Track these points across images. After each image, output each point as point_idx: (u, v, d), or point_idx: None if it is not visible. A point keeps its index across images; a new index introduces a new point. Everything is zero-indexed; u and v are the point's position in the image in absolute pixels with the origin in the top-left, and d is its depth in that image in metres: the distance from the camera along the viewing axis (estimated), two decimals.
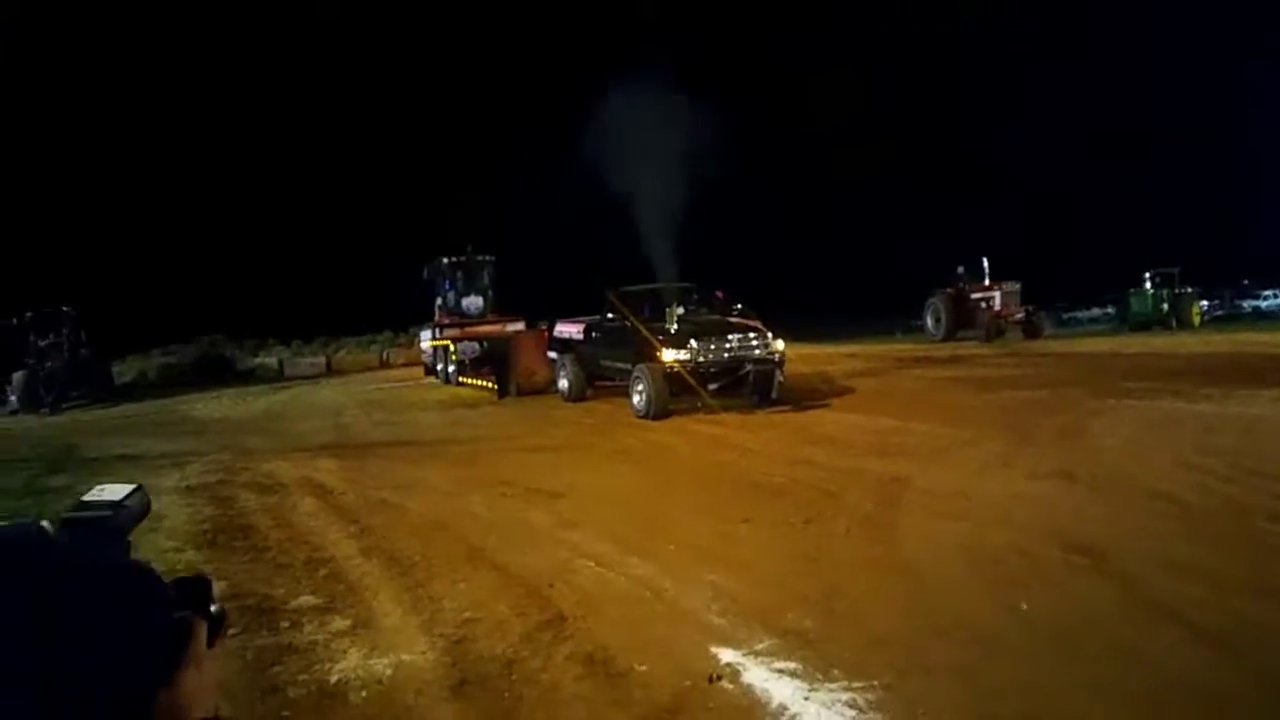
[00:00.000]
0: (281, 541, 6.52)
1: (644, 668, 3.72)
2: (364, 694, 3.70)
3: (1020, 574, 4.62)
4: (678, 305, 13.26)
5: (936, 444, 8.64)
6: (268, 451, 11.43)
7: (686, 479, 8.08)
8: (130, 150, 45.42)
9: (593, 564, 5.36)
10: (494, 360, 17.76)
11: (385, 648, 4.21)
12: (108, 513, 0.87)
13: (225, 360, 32.95)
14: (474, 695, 3.61)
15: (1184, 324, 26.13)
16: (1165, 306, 26.96)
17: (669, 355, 11.86)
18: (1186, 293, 27.21)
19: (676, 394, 11.97)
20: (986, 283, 25.92)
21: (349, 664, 4.03)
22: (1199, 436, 7.96)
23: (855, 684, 3.38)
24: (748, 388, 11.98)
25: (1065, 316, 35.81)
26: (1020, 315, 25.63)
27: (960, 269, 26.77)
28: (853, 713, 3.17)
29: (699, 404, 12.10)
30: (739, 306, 13.84)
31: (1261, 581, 4.21)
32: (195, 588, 0.90)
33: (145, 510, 0.92)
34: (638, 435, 10.87)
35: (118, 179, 44.76)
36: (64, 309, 23.51)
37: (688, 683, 3.53)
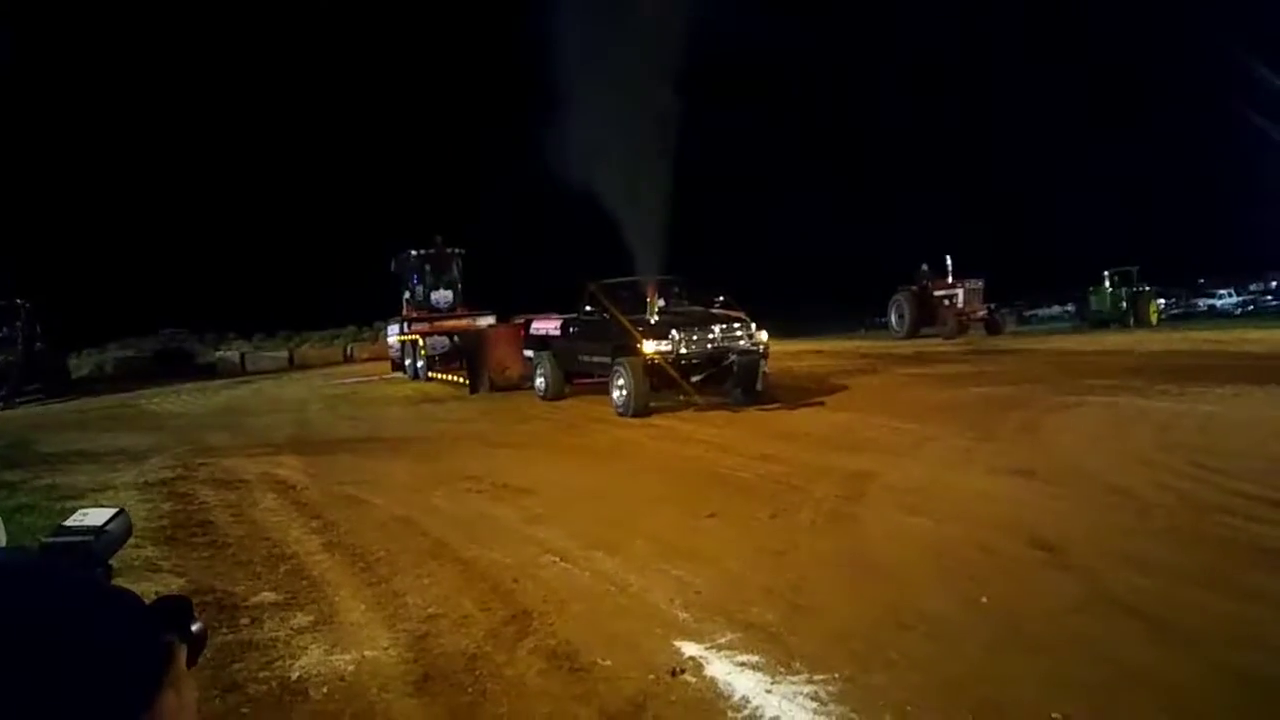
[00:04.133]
0: (242, 538, 6.44)
1: (608, 662, 3.72)
2: (325, 690, 3.66)
3: (981, 568, 4.68)
4: (659, 297, 12.87)
5: (900, 440, 8.73)
6: (228, 447, 11.28)
7: (652, 474, 8.08)
8: (85, 139, 44.51)
9: (558, 559, 5.35)
10: (466, 355, 17.30)
11: (348, 644, 4.17)
12: (88, 538, 0.86)
13: (185, 354, 32.52)
14: (437, 691, 3.59)
15: (1142, 322, 26.57)
16: (1124, 305, 27.40)
17: (649, 347, 11.41)
18: (1144, 291, 27.68)
19: (658, 389, 11.64)
20: (949, 280, 26.21)
21: (310, 660, 3.99)
22: (1156, 433, 8.10)
23: (817, 676, 3.40)
24: (731, 380, 11.64)
25: (1026, 314, 36.27)
26: (982, 313, 25.97)
27: (924, 267, 27.05)
28: (814, 704, 3.19)
29: (681, 397, 11.85)
30: (721, 299, 13.46)
31: (1216, 575, 4.30)
32: (176, 608, 0.89)
33: (126, 535, 0.91)
34: (605, 431, 10.88)
35: (73, 169, 43.85)
36: (18, 301, 22.86)
37: (651, 677, 3.54)
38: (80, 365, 30.12)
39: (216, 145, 49.04)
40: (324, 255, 45.90)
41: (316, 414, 15.23)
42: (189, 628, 0.88)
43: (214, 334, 36.05)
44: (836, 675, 3.42)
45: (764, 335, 12.12)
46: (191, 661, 0.86)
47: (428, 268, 22.27)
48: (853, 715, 3.09)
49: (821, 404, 11.74)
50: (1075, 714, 3.02)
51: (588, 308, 13.31)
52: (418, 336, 20.61)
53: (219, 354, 32.76)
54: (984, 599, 4.19)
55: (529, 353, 15.11)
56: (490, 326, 18.30)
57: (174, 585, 5.13)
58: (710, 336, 11.72)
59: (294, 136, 49.75)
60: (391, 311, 23.69)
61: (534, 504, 6.93)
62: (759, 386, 11.54)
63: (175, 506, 7.59)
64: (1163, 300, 31.24)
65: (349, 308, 37.29)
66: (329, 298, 38.45)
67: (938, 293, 26.16)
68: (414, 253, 22.13)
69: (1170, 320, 29.59)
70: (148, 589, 4.85)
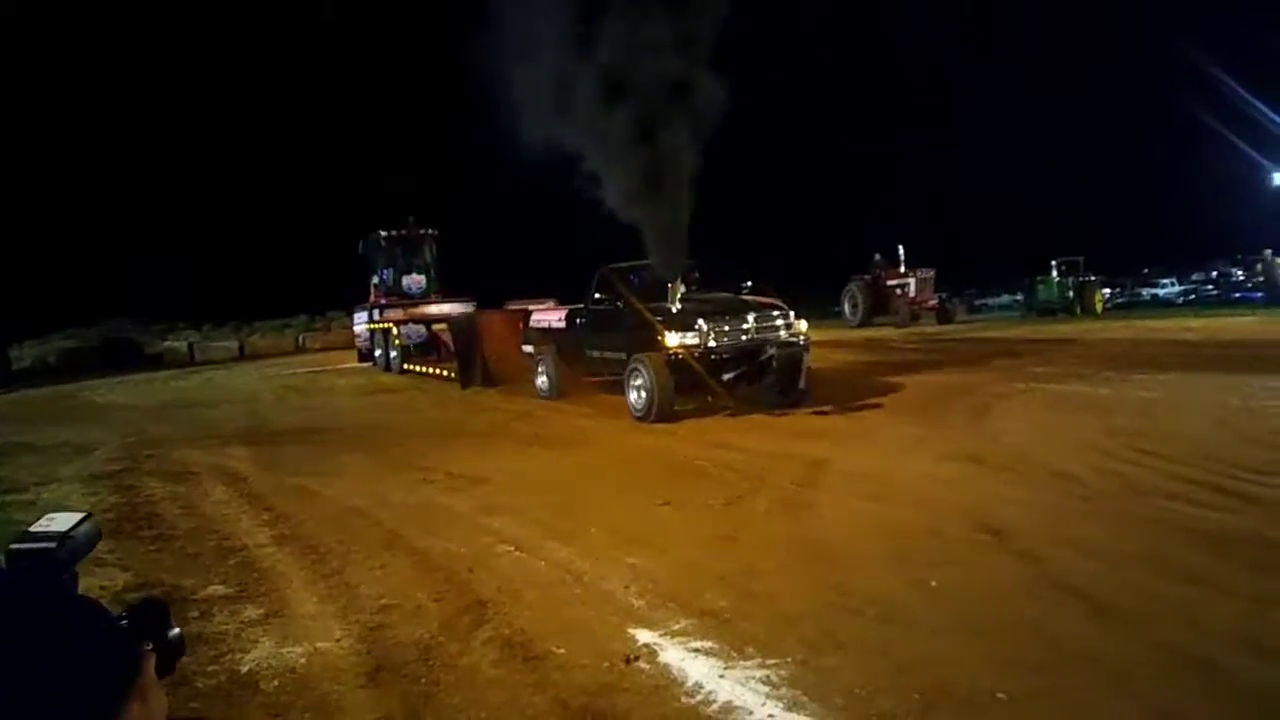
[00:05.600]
0: (190, 530, 6.34)
1: (562, 651, 3.73)
2: (276, 683, 3.63)
3: (930, 552, 4.76)
4: (681, 282, 10.94)
5: (853, 427, 8.84)
6: (176, 438, 11.09)
7: (608, 463, 8.10)
8: (23, 124, 43.20)
9: (513, 549, 5.34)
10: (456, 345, 15.60)
11: (299, 636, 4.13)
12: (52, 544, 0.85)
13: (131, 344, 31.81)
14: (390, 682, 3.57)
15: (1087, 311, 27.12)
16: (1070, 294, 27.94)
17: (673, 340, 9.85)
18: (1090, 281, 28.24)
19: (684, 389, 10.07)
20: (902, 270, 26.52)
21: (261, 653, 3.95)
22: (1099, 419, 8.29)
23: (769, 661, 3.44)
24: (769, 378, 10.02)
25: (976, 303, 36.90)
26: (934, 302, 26.36)
27: (877, 256, 27.34)
28: (766, 689, 3.23)
29: (710, 399, 10.42)
30: (749, 284, 11.85)
31: (1157, 557, 4.41)
32: (150, 614, 0.88)
33: (93, 541, 0.90)
34: (562, 420, 10.86)
35: (12, 155, 42.55)
36: None
37: (605, 664, 3.56)
38: (22, 356, 29.41)
39: (161, 129, 47.70)
40: (274, 242, 44.99)
41: (268, 405, 15.02)
42: (165, 634, 0.87)
43: (162, 324, 35.35)
44: (788, 659, 3.46)
45: (803, 325, 10.66)
46: (170, 668, 0.85)
47: (398, 251, 20.94)
48: (804, 698, 3.14)
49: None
50: (1018, 693, 3.09)
51: (598, 295, 11.66)
52: (391, 325, 19.06)
53: (167, 344, 32.20)
54: (933, 583, 4.26)
55: (528, 347, 13.53)
56: (485, 314, 16.38)
57: (119, 580, 5.04)
58: (743, 327, 10.14)
59: (242, 117, 48.29)
60: (347, 299, 23.01)
61: (489, 494, 6.91)
62: (802, 384, 10.12)
63: (121, 499, 7.46)
64: (1108, 290, 31.98)
65: (301, 296, 36.76)
66: (280, 286, 37.84)
67: (890, 282, 26.45)
68: (383, 234, 20.80)
69: (1115, 309, 30.29)
70: (91, 584, 4.77)
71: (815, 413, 9.78)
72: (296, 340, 33.40)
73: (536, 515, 6.09)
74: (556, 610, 4.26)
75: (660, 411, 9.73)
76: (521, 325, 13.86)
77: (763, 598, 4.24)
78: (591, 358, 11.68)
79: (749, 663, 3.46)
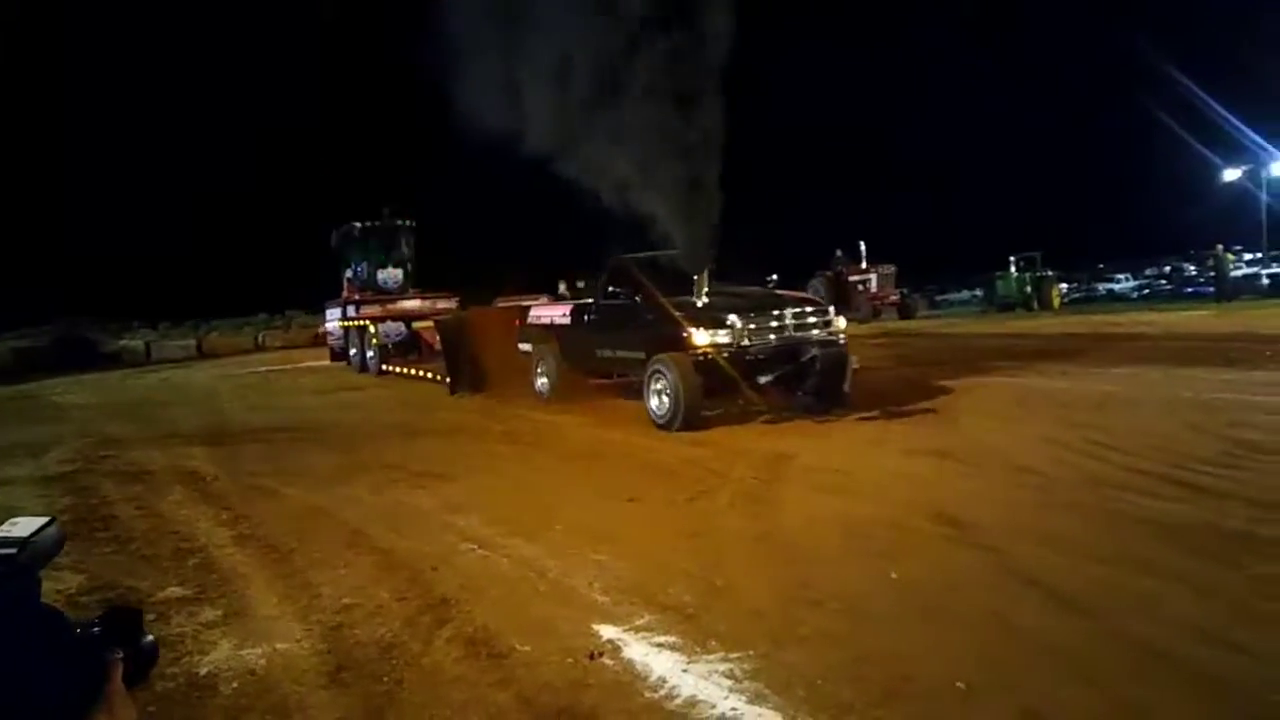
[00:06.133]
0: (148, 532, 6.24)
1: (526, 648, 3.72)
2: (236, 685, 3.58)
3: (892, 545, 4.81)
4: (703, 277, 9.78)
5: (817, 422, 8.89)
6: (133, 439, 10.89)
7: (574, 460, 8.08)
8: None
9: (477, 547, 5.31)
10: (445, 346, 14.02)
11: (259, 637, 4.08)
12: (13, 550, 0.82)
13: (86, 343, 31.14)
14: (352, 682, 3.54)
15: (1045, 306, 27.58)
16: (1028, 289, 28.40)
17: (701, 338, 8.88)
18: (1047, 276, 28.71)
19: (713, 393, 9.09)
20: (864, 266, 26.78)
21: (220, 655, 3.90)
22: (1057, 412, 8.42)
23: (732, 654, 3.46)
24: (810, 381, 9.00)
25: (937, 299, 37.35)
26: (895, 297, 26.70)
27: (839, 252, 27.59)
28: (729, 682, 3.24)
29: (742, 403, 9.49)
30: (774, 277, 11.08)
31: (1113, 548, 4.49)
32: (124, 621, 0.86)
33: (57, 546, 0.88)
34: (527, 417, 10.80)
35: None
36: None
37: (569, 661, 3.55)
38: None
39: (116, 121, 46.28)
40: (232, 239, 44.12)
41: (227, 403, 14.80)
42: (137, 642, 0.85)
43: (118, 322, 34.68)
44: (751, 652, 3.48)
45: (842, 323, 9.90)
46: (143, 676, 0.83)
47: (373, 243, 19.74)
48: (766, 691, 3.15)
49: None
50: (978, 683, 3.13)
51: (611, 289, 10.63)
52: (368, 322, 17.81)
53: (123, 343, 31.56)
54: (894, 575, 4.30)
55: (525, 346, 12.43)
56: (477, 311, 15.20)
57: (73, 583, 4.95)
58: (780, 325, 9.19)
59: (197, 108, 46.78)
60: (308, 296, 22.46)
61: (453, 492, 6.87)
62: (846, 387, 9.24)
63: (76, 500, 7.32)
64: (1065, 285, 32.54)
65: (259, 294, 36.21)
66: (238, 284, 37.25)
67: (852, 278, 26.71)
68: (357, 225, 19.60)
69: (1072, 304, 30.81)
70: (45, 589, 4.66)
71: (863, 419, 8.89)
72: (256, 339, 32.95)
73: (501, 513, 6.07)
74: (521, 608, 4.25)
75: (687, 418, 8.75)
76: (518, 323, 12.78)
77: (727, 592, 4.26)
78: (602, 358, 10.76)
79: (712, 656, 3.47)
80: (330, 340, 20.98)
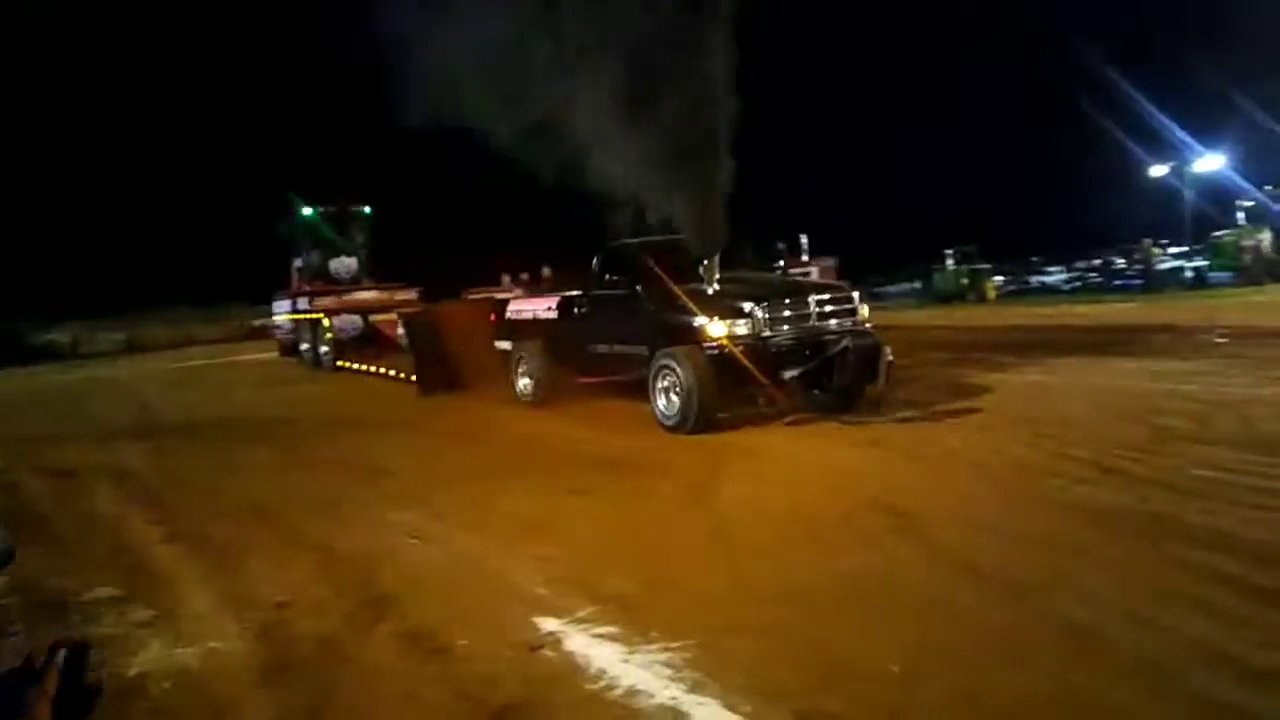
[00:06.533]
0: (75, 531, 6.08)
1: (466, 642, 3.70)
2: (167, 685, 3.50)
3: (835, 536, 4.86)
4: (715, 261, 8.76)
5: (761, 412, 8.93)
6: (60, 435, 10.59)
7: (518, 454, 8.04)
8: None
9: (419, 541, 5.27)
10: (414, 342, 12.90)
11: (191, 637, 3.99)
12: None
13: (10, 338, 30.16)
14: (288, 680, 3.49)
15: (981, 298, 28.17)
16: (965, 282, 28.98)
17: (718, 329, 7.98)
18: (983, 269, 29.31)
19: (727, 390, 8.12)
20: (805, 259, 27.03)
21: (150, 655, 3.80)
22: (994, 402, 8.60)
23: (673, 645, 3.48)
24: (841, 376, 8.00)
25: (876, 291, 37.84)
26: None
27: (780, 245, 27.79)
28: (669, 671, 3.26)
29: (761, 402, 8.49)
30: (781, 261, 9.74)
31: (1046, 534, 4.61)
32: (70, 656, 0.83)
33: (5, 558, 0.83)
34: (472, 411, 10.71)
35: None
36: None
37: (510, 654, 3.54)
38: None
39: (42, 99, 44.55)
40: (162, 228, 42.63)
41: (160, 399, 14.46)
42: (80, 676, 0.82)
43: (42, 316, 33.59)
44: (692, 642, 3.50)
45: (866, 310, 8.87)
46: (84, 712, 0.81)
47: (325, 230, 18.60)
48: (706, 679, 3.18)
49: None
50: (913, 666, 3.19)
51: (608, 277, 9.65)
52: (321, 315, 16.74)
53: (49, 337, 30.61)
54: (838, 565, 4.36)
55: (504, 343, 11.41)
56: (448, 305, 14.05)
57: None
58: (804, 313, 8.30)
59: (121, 90, 44.84)
60: (246, 287, 21.66)
61: (395, 486, 6.82)
62: (882, 382, 8.17)
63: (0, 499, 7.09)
64: (1000, 278, 33.23)
65: (192, 286, 35.30)
66: (170, 275, 36.24)
67: (793, 271, 26.92)
68: (308, 211, 18.48)
69: (1006, 296, 31.48)
70: None
71: (900, 420, 7.96)
72: (189, 332, 32.19)
73: (443, 507, 6.03)
74: (462, 602, 4.22)
75: (702, 418, 7.90)
76: (494, 317, 11.76)
77: (668, 583, 4.27)
78: (596, 354, 9.67)
79: (652, 647, 3.48)
80: (279, 335, 19.80)
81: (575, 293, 10.20)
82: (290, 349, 18.74)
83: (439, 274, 18.90)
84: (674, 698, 3.08)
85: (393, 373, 13.83)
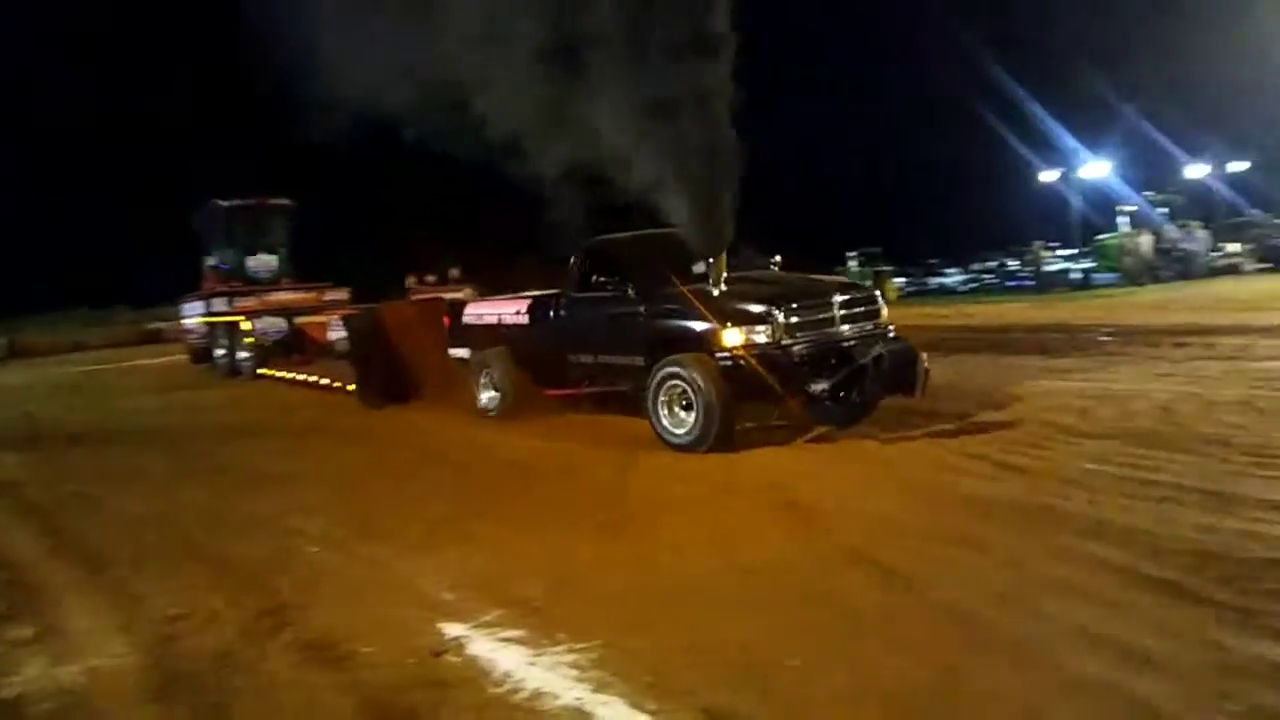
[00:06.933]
0: None
1: (369, 649, 3.63)
2: (48, 706, 3.34)
3: (741, 530, 4.94)
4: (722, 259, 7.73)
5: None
6: None
7: (429, 457, 7.91)
8: None
9: (320, 548, 5.15)
10: (356, 348, 11.55)
11: (75, 654, 3.82)
12: None
13: None
14: (180, 696, 3.36)
15: (883, 299, 28.95)
16: (868, 283, 29.72)
17: (733, 337, 7.00)
18: (885, 271, 30.15)
19: (741, 402, 7.06)
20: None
21: (30, 674, 3.63)
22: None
23: (579, 645, 3.48)
24: (874, 386, 7.09)
25: None
26: None
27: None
28: (575, 672, 3.26)
29: (776, 417, 7.46)
30: (777, 259, 9.24)
31: (939, 526, 4.75)
32: None
33: None
34: (381, 415, 10.44)
35: None
36: None
37: (413, 660, 3.49)
38: None
39: None
40: (46, 225, 40.57)
41: (43, 406, 13.78)
42: None
43: None
44: (599, 642, 3.50)
45: (886, 312, 8.08)
46: None
47: (242, 226, 17.41)
48: (611, 679, 3.19)
49: None
50: (811, 658, 3.27)
51: (596, 278, 8.45)
52: (241, 317, 15.45)
53: None
54: (740, 560, 4.42)
55: (460, 350, 10.36)
56: (395, 305, 12.45)
57: None
58: (827, 317, 7.36)
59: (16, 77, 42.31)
60: (139, 288, 20.38)
61: (297, 493, 6.64)
62: (919, 392, 7.36)
63: None
64: (900, 279, 34.23)
65: (80, 287, 33.75)
66: (55, 276, 34.54)
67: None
68: (224, 205, 17.21)
69: (907, 297, 32.44)
70: None
71: (932, 434, 7.04)
72: (76, 337, 30.75)
73: (347, 513, 5.90)
74: (365, 609, 4.14)
75: (720, 437, 6.89)
76: (449, 320, 10.66)
77: (576, 584, 4.28)
78: (577, 364, 8.72)
79: (559, 648, 3.48)
80: (191, 339, 18.31)
81: (549, 294, 9.21)
82: (203, 355, 17.35)
83: (341, 274, 18.18)
84: (579, 698, 3.08)
85: (325, 381, 12.62)
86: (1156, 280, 25.19)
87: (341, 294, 16.51)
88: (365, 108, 8.63)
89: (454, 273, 19.44)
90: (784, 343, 7.02)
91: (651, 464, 6.74)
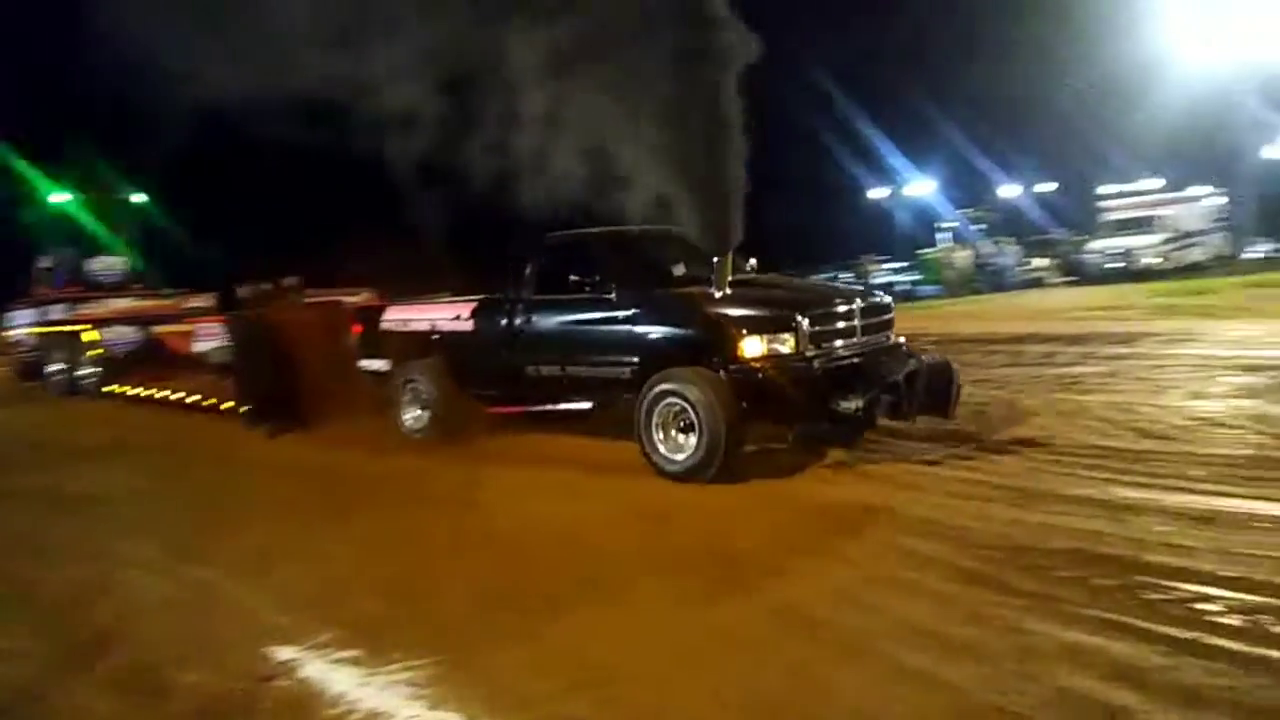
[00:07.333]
0: None
1: (193, 678, 3.45)
2: None
3: (593, 540, 4.95)
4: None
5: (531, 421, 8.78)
6: None
7: (261, 472, 7.58)
8: None
9: (141, 572, 4.85)
10: (239, 360, 9.79)
11: None
12: None
13: None
14: None
15: None
16: None
17: (753, 346, 6.07)
18: None
19: (755, 419, 6.21)
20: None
21: None
22: None
23: (416, 663, 3.41)
24: (910, 404, 6.26)
25: None
26: None
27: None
28: (410, 690, 3.20)
29: (791, 440, 6.59)
30: (753, 262, 8.07)
31: (761, 525, 4.94)
32: None
33: None
34: (202, 427, 9.85)
35: None
36: None
37: (240, 686, 3.34)
38: None
39: None
40: None
41: None
42: None
43: None
44: (438, 659, 3.44)
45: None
46: None
47: (84, 222, 15.65)
48: (447, 695, 3.16)
49: None
50: (654, 667, 3.33)
51: (575, 277, 7.17)
52: (85, 327, 13.25)
53: None
54: (589, 573, 4.39)
55: (375, 362, 8.87)
56: (286, 310, 10.36)
57: None
58: (850, 326, 6.52)
59: None
60: None
61: (115, 515, 6.24)
62: (954, 411, 6.73)
63: None
64: None
65: None
66: None
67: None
68: (61, 199, 15.56)
69: None
70: None
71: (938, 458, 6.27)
72: None
73: (170, 535, 5.58)
74: (189, 635, 3.93)
75: (725, 461, 5.96)
76: (359, 328, 9.20)
77: (417, 600, 4.18)
78: (538, 377, 7.44)
79: (395, 666, 3.40)
80: (19, 353, 15.71)
81: (501, 296, 7.83)
82: (32, 371, 14.89)
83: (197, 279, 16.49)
84: (415, 715, 3.03)
85: (197, 399, 10.63)
86: (974, 292, 27.00)
87: (204, 300, 14.34)
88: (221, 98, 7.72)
89: (289, 281, 18.14)
90: (807, 354, 6.09)
91: (492, 476, 6.64)
